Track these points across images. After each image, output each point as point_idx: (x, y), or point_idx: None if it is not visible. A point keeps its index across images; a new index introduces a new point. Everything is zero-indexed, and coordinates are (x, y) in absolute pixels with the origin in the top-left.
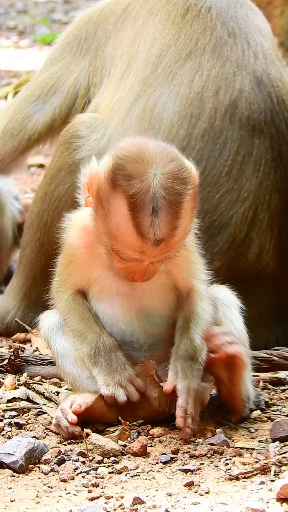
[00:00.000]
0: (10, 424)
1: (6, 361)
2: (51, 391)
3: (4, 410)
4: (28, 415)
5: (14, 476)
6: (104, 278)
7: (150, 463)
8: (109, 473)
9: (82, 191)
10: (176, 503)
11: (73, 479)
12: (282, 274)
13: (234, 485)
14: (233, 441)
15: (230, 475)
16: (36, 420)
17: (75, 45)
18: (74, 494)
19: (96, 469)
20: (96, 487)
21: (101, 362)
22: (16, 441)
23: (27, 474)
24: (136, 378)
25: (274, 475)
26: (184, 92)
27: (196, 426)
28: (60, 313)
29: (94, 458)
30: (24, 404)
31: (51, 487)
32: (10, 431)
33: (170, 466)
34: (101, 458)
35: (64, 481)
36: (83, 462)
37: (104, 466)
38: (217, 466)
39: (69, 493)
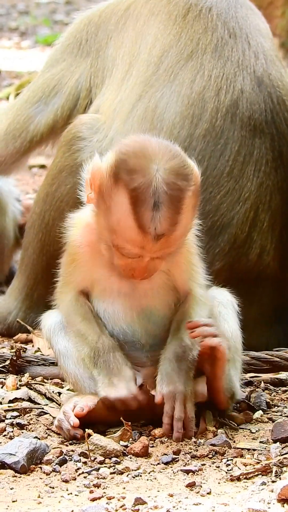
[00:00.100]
0: (12, 424)
1: (8, 362)
2: (53, 392)
3: (6, 411)
4: (30, 415)
5: (15, 476)
6: (106, 277)
7: (151, 464)
8: (111, 473)
9: (85, 188)
10: (177, 503)
11: (75, 479)
12: (283, 275)
13: (236, 486)
14: (234, 442)
15: (231, 475)
16: (38, 420)
17: (76, 46)
18: (75, 495)
19: (97, 469)
20: (98, 488)
21: (100, 363)
22: (18, 441)
23: (28, 475)
24: (131, 380)
25: (275, 475)
26: (186, 93)
27: (193, 425)
28: (63, 313)
29: (95, 458)
30: (26, 404)
31: (53, 488)
32: (12, 431)
33: (171, 467)
34: (103, 458)
35: (66, 481)
36: (85, 463)
37: (105, 466)
38: (218, 467)
39: (71, 493)
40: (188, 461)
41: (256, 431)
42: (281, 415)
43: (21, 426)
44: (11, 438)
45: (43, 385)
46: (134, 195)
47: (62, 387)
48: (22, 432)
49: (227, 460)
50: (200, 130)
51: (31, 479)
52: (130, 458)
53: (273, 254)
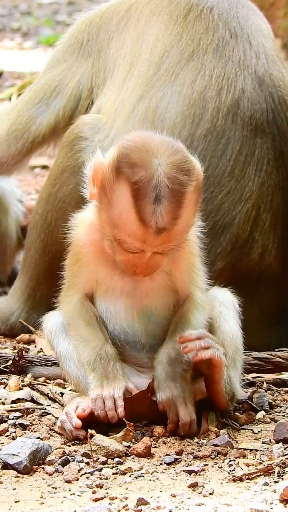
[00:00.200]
0: (14, 425)
1: (10, 362)
2: (55, 392)
3: (9, 411)
4: (32, 416)
5: (18, 477)
6: (110, 276)
7: (154, 464)
8: (113, 474)
9: (87, 184)
10: (180, 504)
11: (78, 480)
12: (285, 274)
13: (238, 486)
14: (237, 442)
15: (234, 476)
16: (41, 421)
17: (78, 47)
18: (78, 495)
19: (100, 470)
20: (100, 488)
21: (98, 369)
22: (21, 442)
23: (31, 475)
24: (120, 388)
25: (278, 476)
26: (187, 92)
27: (195, 425)
28: (66, 316)
29: (98, 459)
30: (28, 405)
31: (56, 488)
32: (15, 432)
33: (174, 467)
34: (105, 459)
35: (69, 482)
36: (88, 463)
37: (108, 467)
38: (221, 467)
39: (73, 494)
40: (190, 461)
41: (259, 431)
42: (283, 415)
43: (23, 427)
44: (13, 438)
45: (45, 385)
46: (135, 188)
47: (65, 388)
48: (25, 433)
49: (230, 461)
50: (201, 130)
51: (33, 480)
52: (133, 458)
53: (275, 254)
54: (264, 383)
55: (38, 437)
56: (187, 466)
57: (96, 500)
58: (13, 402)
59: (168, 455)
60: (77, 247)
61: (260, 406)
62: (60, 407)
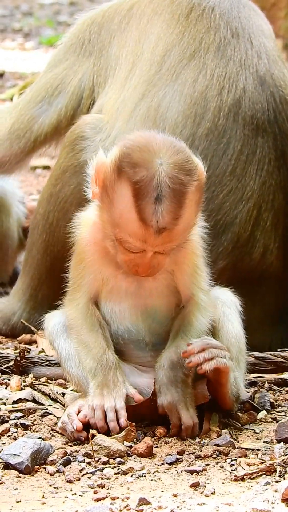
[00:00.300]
0: (16, 425)
1: (12, 362)
2: (57, 392)
3: (10, 411)
4: (34, 416)
5: (20, 477)
6: (114, 276)
7: (155, 464)
8: (115, 474)
9: (90, 184)
10: (181, 503)
11: (79, 480)
12: (286, 274)
13: (240, 486)
14: (238, 442)
15: (235, 476)
16: (42, 421)
17: (79, 46)
18: (80, 495)
19: (102, 470)
20: (102, 488)
21: (99, 376)
22: (22, 442)
23: (33, 475)
24: (121, 397)
25: (280, 475)
26: (188, 92)
27: (196, 428)
28: (70, 319)
29: (100, 459)
30: (30, 405)
31: (57, 488)
32: (16, 432)
33: (175, 467)
34: (107, 459)
35: (70, 482)
36: (89, 463)
37: (110, 467)
38: (222, 467)
39: (75, 494)
40: (192, 461)
41: (260, 431)
42: (285, 415)
43: (25, 427)
44: (15, 438)
45: (47, 385)
46: (136, 187)
47: (66, 388)
48: (26, 433)
49: (231, 460)
50: (202, 129)
51: (35, 480)
52: (134, 458)
53: (276, 253)
54: (266, 383)
55: (40, 437)
56: (188, 466)
57: (97, 500)
58: (14, 402)
59: (169, 455)
60: (81, 246)
61: (261, 406)
62: (61, 407)
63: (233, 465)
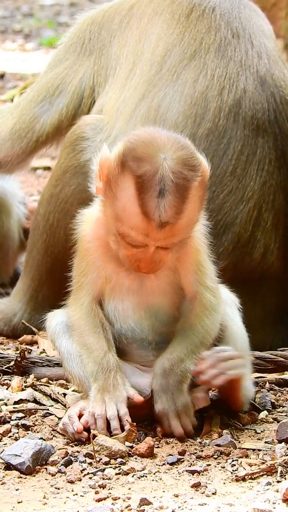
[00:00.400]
0: (17, 425)
1: (13, 363)
2: (58, 393)
3: (11, 412)
4: (35, 416)
5: (21, 477)
6: (117, 273)
7: (157, 464)
8: (116, 474)
9: (94, 180)
10: (183, 504)
11: (80, 480)
12: (287, 274)
13: (241, 486)
14: (239, 442)
15: (236, 476)
16: (43, 421)
17: (79, 45)
18: (81, 495)
19: (103, 470)
20: (103, 488)
21: (100, 379)
22: (23, 442)
23: (34, 476)
24: (123, 402)
25: (281, 476)
26: (189, 92)
27: (191, 435)
28: (73, 319)
29: (101, 459)
30: (31, 405)
31: (58, 488)
32: (17, 432)
33: (177, 467)
34: (108, 459)
35: (71, 482)
36: (90, 463)
37: (111, 467)
38: (223, 467)
39: (76, 494)
40: (193, 461)
41: (261, 431)
42: (286, 415)
43: (26, 427)
44: (16, 439)
45: (48, 386)
46: (140, 181)
47: (67, 388)
48: (28, 433)
49: (232, 461)
50: (203, 130)
51: (36, 480)
52: (136, 458)
53: (277, 254)
54: (267, 383)
55: (41, 438)
56: (189, 466)
57: (99, 500)
58: (15, 403)
59: (170, 455)
60: (84, 243)
61: (262, 406)
62: (62, 408)
63: (234, 465)
